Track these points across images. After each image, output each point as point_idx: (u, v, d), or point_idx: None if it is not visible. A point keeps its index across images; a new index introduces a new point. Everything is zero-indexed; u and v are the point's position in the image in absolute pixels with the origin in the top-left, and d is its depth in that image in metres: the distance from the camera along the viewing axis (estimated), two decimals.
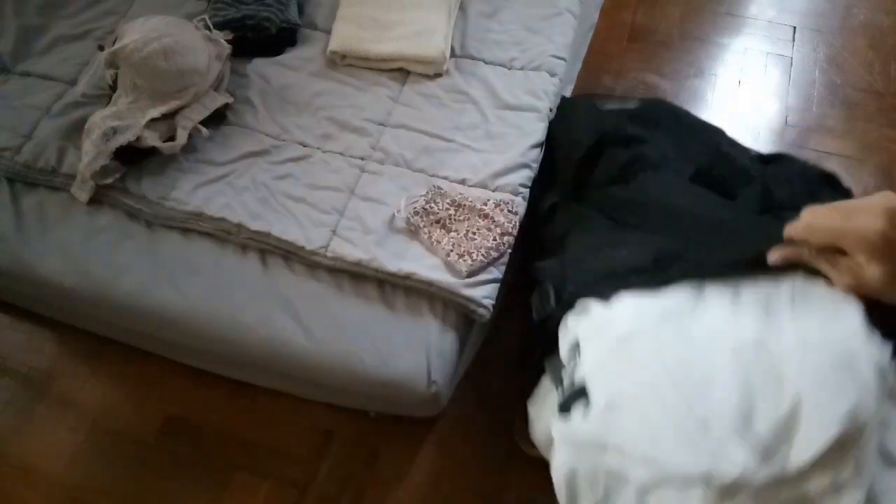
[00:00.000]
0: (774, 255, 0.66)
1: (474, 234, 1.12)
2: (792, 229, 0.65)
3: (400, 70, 1.35)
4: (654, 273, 0.75)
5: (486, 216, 1.14)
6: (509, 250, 1.13)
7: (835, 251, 0.62)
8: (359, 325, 1.08)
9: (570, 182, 1.11)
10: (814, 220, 0.64)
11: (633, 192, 0.98)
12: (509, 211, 1.15)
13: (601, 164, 1.08)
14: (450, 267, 1.09)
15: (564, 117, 1.27)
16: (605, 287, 0.76)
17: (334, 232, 1.14)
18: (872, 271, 0.59)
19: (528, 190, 1.21)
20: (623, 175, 1.02)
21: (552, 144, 1.26)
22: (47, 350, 1.47)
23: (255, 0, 1.35)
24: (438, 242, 1.11)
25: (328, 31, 1.41)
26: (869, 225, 0.59)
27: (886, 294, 0.60)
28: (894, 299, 0.60)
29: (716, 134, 1.18)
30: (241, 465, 1.32)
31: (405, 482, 1.31)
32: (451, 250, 1.10)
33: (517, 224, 1.14)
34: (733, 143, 1.15)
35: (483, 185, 1.20)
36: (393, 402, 1.16)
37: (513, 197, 1.18)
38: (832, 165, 1.74)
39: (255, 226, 1.14)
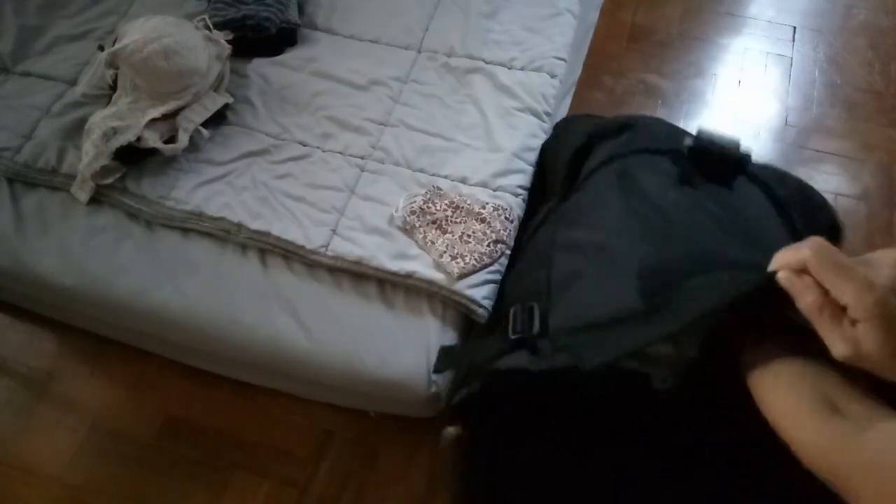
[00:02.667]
0: (783, 275, 0.53)
1: (469, 237, 1.12)
2: (792, 255, 0.52)
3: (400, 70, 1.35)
4: (644, 319, 0.67)
5: (483, 220, 1.13)
6: (502, 257, 1.12)
7: (836, 307, 0.49)
8: (359, 325, 1.08)
9: (560, 184, 1.00)
10: (821, 247, 0.50)
11: (618, 182, 0.85)
12: (506, 218, 1.14)
13: (590, 159, 0.96)
14: (441, 268, 1.09)
15: (558, 135, 1.21)
16: (587, 340, 0.69)
17: (334, 231, 1.14)
18: (871, 338, 0.47)
19: (526, 192, 1.21)
20: (610, 160, 0.90)
21: (544, 160, 1.20)
22: (47, 350, 1.47)
23: (255, 0, 1.35)
24: (433, 243, 1.11)
25: (328, 31, 1.42)
26: (881, 274, 0.47)
27: (887, 369, 0.47)
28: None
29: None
30: (241, 465, 1.32)
31: (405, 482, 1.30)
32: (445, 251, 1.10)
33: (512, 232, 1.14)
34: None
35: (483, 185, 1.19)
36: (393, 402, 1.16)
37: (512, 198, 1.18)
38: (832, 165, 1.74)
39: (255, 225, 1.14)
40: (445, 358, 1.00)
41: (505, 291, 1.02)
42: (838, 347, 0.49)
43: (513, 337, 0.77)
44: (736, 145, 0.80)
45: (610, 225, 0.80)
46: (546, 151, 1.22)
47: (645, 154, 0.85)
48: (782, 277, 0.52)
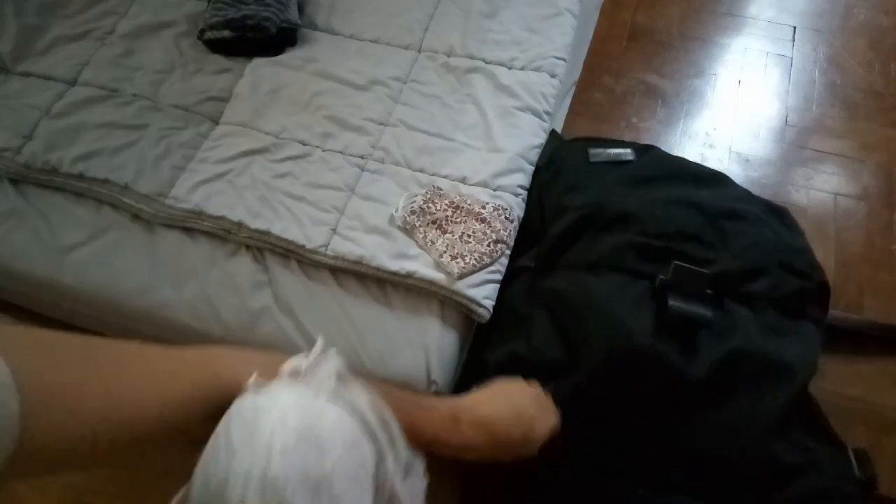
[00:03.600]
0: None
1: (469, 237, 1.12)
2: None
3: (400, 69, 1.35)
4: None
5: (483, 220, 1.13)
6: (502, 257, 1.12)
7: None
8: (358, 325, 1.08)
9: (546, 253, 1.10)
10: None
11: (589, 289, 1.01)
12: (506, 218, 1.14)
13: (578, 245, 1.07)
14: (441, 268, 1.09)
15: (553, 166, 1.24)
16: None
17: (334, 230, 1.14)
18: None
19: (526, 192, 1.21)
20: (593, 267, 1.04)
21: (537, 193, 1.23)
22: None
23: (255, 0, 1.35)
24: (433, 243, 1.11)
25: (328, 31, 1.42)
26: None
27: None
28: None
29: (716, 182, 1.18)
30: None
31: None
32: (445, 251, 1.10)
33: (512, 233, 1.14)
34: (736, 197, 1.15)
35: (483, 185, 1.19)
36: None
37: (512, 198, 1.18)
38: (832, 165, 1.74)
39: (255, 224, 1.14)
40: None
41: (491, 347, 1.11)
42: None
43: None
44: (705, 279, 0.94)
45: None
46: (542, 179, 1.24)
47: (626, 274, 1.00)
48: None
